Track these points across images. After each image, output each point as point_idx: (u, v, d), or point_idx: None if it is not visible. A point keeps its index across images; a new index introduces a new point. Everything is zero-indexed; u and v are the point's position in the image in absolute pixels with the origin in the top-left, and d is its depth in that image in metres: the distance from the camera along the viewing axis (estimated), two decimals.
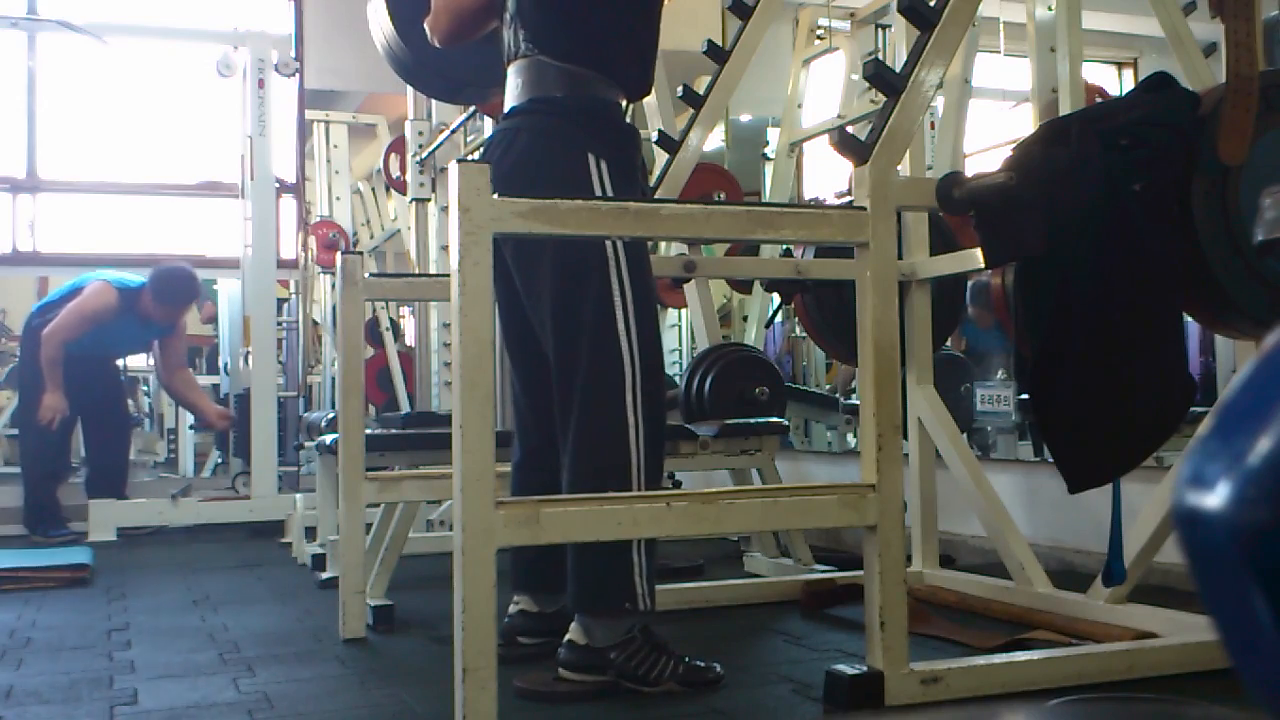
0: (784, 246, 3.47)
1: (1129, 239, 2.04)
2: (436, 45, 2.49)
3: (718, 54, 3.27)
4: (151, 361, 9.59)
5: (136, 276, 5.27)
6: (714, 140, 5.02)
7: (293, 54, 5.65)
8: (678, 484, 4.40)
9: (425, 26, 2.47)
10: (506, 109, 2.30)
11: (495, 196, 1.69)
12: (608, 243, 2.15)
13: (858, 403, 2.45)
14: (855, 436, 4.61)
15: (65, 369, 5.04)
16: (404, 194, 5.82)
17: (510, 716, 1.81)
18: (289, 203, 5.85)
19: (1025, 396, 3.17)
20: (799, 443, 5.12)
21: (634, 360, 2.14)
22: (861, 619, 1.98)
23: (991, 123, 4.85)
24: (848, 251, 2.33)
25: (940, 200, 2.09)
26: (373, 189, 8.22)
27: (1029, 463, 3.70)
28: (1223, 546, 0.49)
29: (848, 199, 2.51)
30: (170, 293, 5.20)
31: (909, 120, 2.06)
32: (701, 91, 3.24)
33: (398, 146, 6.39)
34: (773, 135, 5.52)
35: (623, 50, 2.29)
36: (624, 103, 2.34)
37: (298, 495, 4.75)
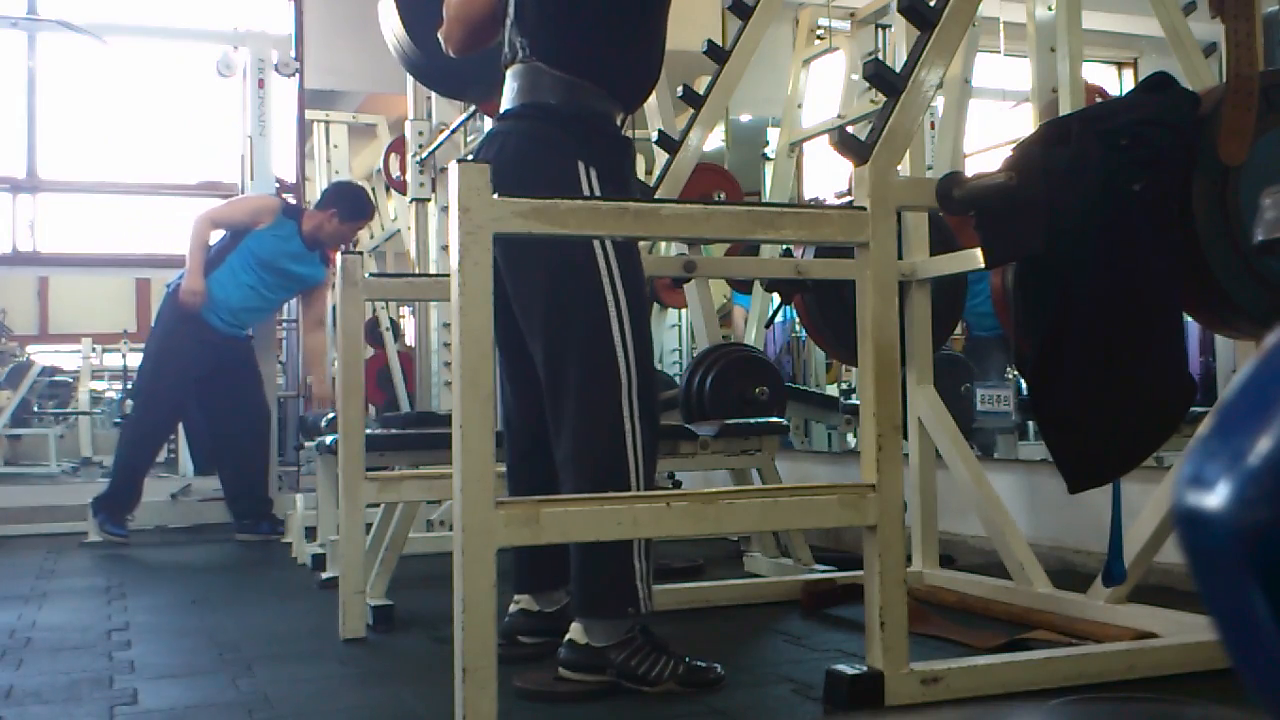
0: (784, 246, 3.47)
1: (1129, 239, 2.04)
2: (451, 55, 2.50)
3: (718, 54, 3.26)
4: None
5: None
6: (714, 140, 5.02)
7: (293, 54, 5.65)
8: (678, 484, 4.39)
9: (439, 37, 2.48)
10: (501, 111, 2.31)
11: (495, 196, 1.69)
12: (598, 246, 2.15)
13: (858, 403, 2.45)
14: (855, 436, 4.61)
15: (189, 348, 4.71)
16: (404, 194, 5.82)
17: (510, 716, 1.81)
18: None
19: (1025, 396, 3.17)
20: (799, 443, 5.12)
21: (629, 365, 2.14)
22: (861, 619, 1.98)
23: (991, 123, 4.85)
24: (848, 251, 2.33)
25: (940, 200, 2.09)
26: (373, 189, 8.21)
27: (1029, 463, 3.70)
28: (1223, 546, 0.49)
29: (848, 199, 2.51)
30: (348, 204, 4.82)
31: (909, 120, 2.06)
32: (701, 91, 3.24)
33: (398, 146, 6.39)
34: (773, 135, 5.52)
35: (620, 62, 2.29)
36: (620, 115, 2.34)
37: (298, 495, 4.75)
